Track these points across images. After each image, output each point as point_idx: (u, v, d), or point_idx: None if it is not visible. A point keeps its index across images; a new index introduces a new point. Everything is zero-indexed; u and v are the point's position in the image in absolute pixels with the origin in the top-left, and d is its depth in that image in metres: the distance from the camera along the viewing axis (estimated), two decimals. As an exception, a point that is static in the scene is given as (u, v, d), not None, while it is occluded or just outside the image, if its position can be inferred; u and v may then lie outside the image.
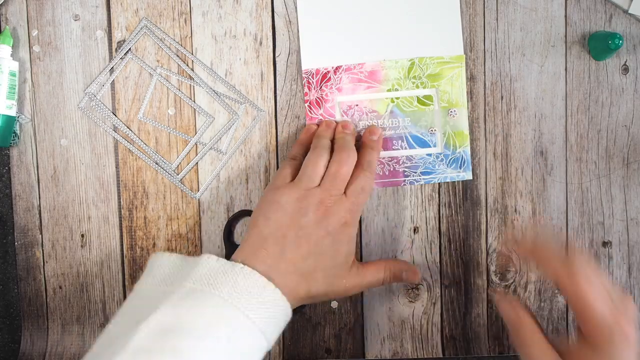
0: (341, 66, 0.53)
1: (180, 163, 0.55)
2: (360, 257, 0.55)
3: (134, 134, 0.55)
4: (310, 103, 0.53)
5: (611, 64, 0.53)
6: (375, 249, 0.54)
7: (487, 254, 0.54)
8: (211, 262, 0.42)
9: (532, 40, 0.53)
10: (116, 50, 0.55)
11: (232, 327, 0.38)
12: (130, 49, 0.55)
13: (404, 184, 0.53)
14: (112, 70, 0.55)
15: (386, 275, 0.48)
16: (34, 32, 0.55)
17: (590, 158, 0.53)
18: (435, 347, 0.55)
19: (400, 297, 0.55)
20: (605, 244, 0.54)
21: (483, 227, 0.54)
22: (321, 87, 0.53)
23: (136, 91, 0.55)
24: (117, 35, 0.55)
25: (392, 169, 0.53)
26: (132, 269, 0.56)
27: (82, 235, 0.56)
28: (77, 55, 0.55)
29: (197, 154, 0.55)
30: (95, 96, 0.55)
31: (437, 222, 0.54)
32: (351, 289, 0.47)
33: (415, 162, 0.53)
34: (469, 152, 0.53)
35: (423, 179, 0.53)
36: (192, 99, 0.55)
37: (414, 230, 0.54)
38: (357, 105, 0.53)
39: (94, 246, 0.56)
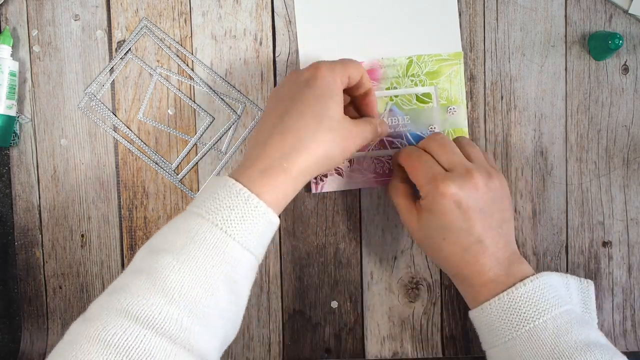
0: None
1: (180, 163, 0.55)
2: (360, 257, 0.55)
3: (134, 134, 0.55)
4: None
5: (611, 64, 0.53)
6: (375, 249, 0.54)
7: (487, 254, 0.54)
8: (210, 180, 0.42)
9: (532, 40, 0.53)
10: (116, 50, 0.55)
11: (209, 243, 0.38)
12: (130, 49, 0.55)
13: None
14: (112, 70, 0.55)
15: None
16: (34, 32, 0.55)
17: (590, 158, 0.53)
18: (435, 347, 0.55)
19: (400, 297, 0.55)
20: (605, 244, 0.54)
21: (483, 227, 0.54)
22: None
23: (136, 91, 0.55)
24: (117, 35, 0.55)
25: (392, 167, 0.53)
26: (132, 269, 0.56)
27: (82, 235, 0.56)
28: (77, 55, 0.55)
29: (197, 154, 0.55)
30: (95, 96, 0.55)
31: (437, 222, 0.54)
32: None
33: None
34: None
35: None
36: (192, 99, 0.55)
37: (414, 230, 0.54)
38: None
39: (94, 246, 0.56)
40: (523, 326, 0.41)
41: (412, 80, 0.53)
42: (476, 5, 0.53)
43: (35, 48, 0.55)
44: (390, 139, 0.53)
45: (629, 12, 0.51)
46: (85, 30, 0.55)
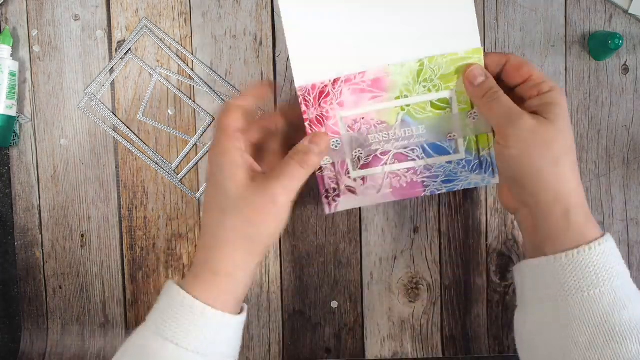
0: (340, 78, 0.45)
1: (180, 163, 0.55)
2: (360, 257, 0.55)
3: (134, 134, 0.55)
4: (310, 122, 0.46)
5: (611, 64, 0.53)
6: (375, 249, 0.54)
7: (487, 254, 0.54)
8: (162, 291, 0.43)
9: (532, 40, 0.53)
10: (116, 50, 0.55)
11: (145, 348, 0.39)
12: (130, 49, 0.55)
13: (425, 194, 0.48)
14: (112, 70, 0.55)
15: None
16: (34, 32, 0.55)
17: (590, 158, 0.53)
18: (435, 347, 0.55)
19: (400, 297, 0.55)
20: (605, 244, 0.54)
21: (483, 227, 0.54)
22: (320, 104, 0.46)
23: (136, 91, 0.55)
24: (117, 35, 0.55)
25: (409, 181, 0.48)
26: (132, 269, 0.56)
27: (82, 235, 0.56)
28: (77, 55, 0.55)
29: (197, 154, 0.55)
30: (95, 96, 0.55)
31: (437, 222, 0.54)
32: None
33: (435, 172, 0.47)
34: (494, 154, 0.46)
35: (445, 187, 0.48)
36: (192, 99, 0.55)
37: (414, 230, 0.54)
38: (362, 118, 0.46)
39: (94, 246, 0.56)
40: (603, 284, 0.38)
41: (424, 87, 0.45)
42: (476, 5, 0.53)
43: (35, 48, 0.55)
44: (404, 152, 0.47)
45: (629, 12, 0.51)
46: (85, 30, 0.55)
